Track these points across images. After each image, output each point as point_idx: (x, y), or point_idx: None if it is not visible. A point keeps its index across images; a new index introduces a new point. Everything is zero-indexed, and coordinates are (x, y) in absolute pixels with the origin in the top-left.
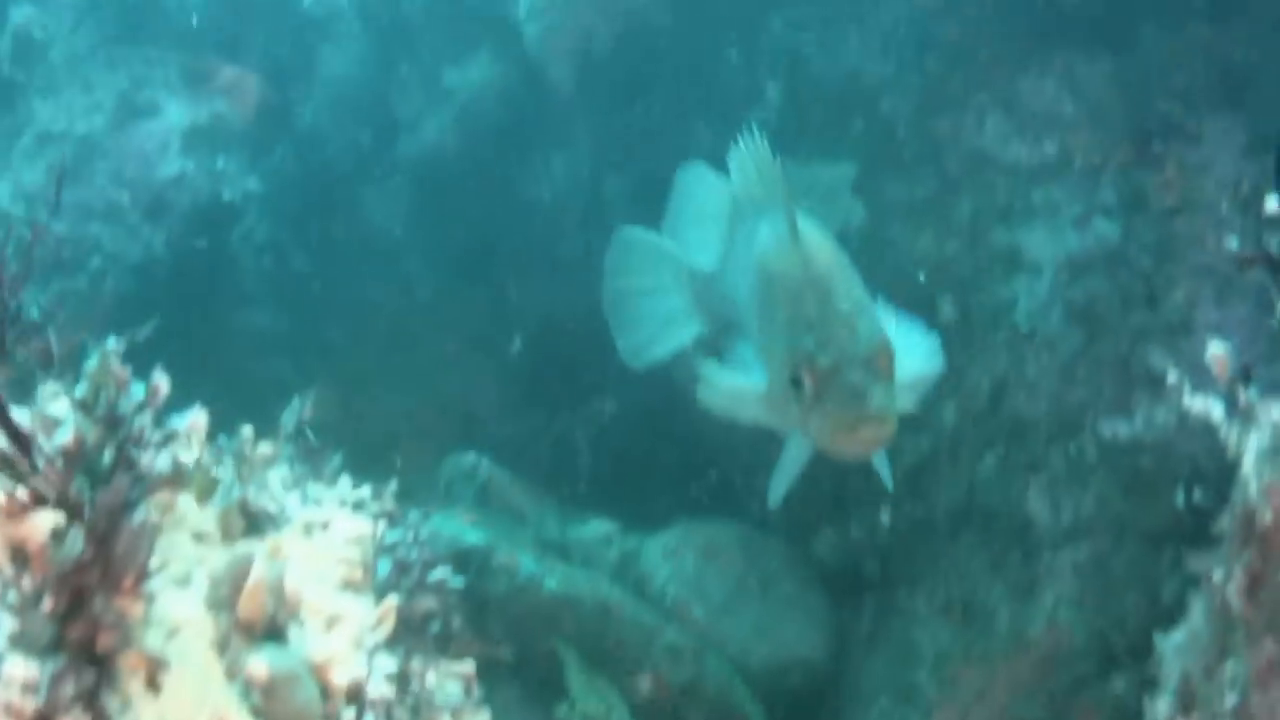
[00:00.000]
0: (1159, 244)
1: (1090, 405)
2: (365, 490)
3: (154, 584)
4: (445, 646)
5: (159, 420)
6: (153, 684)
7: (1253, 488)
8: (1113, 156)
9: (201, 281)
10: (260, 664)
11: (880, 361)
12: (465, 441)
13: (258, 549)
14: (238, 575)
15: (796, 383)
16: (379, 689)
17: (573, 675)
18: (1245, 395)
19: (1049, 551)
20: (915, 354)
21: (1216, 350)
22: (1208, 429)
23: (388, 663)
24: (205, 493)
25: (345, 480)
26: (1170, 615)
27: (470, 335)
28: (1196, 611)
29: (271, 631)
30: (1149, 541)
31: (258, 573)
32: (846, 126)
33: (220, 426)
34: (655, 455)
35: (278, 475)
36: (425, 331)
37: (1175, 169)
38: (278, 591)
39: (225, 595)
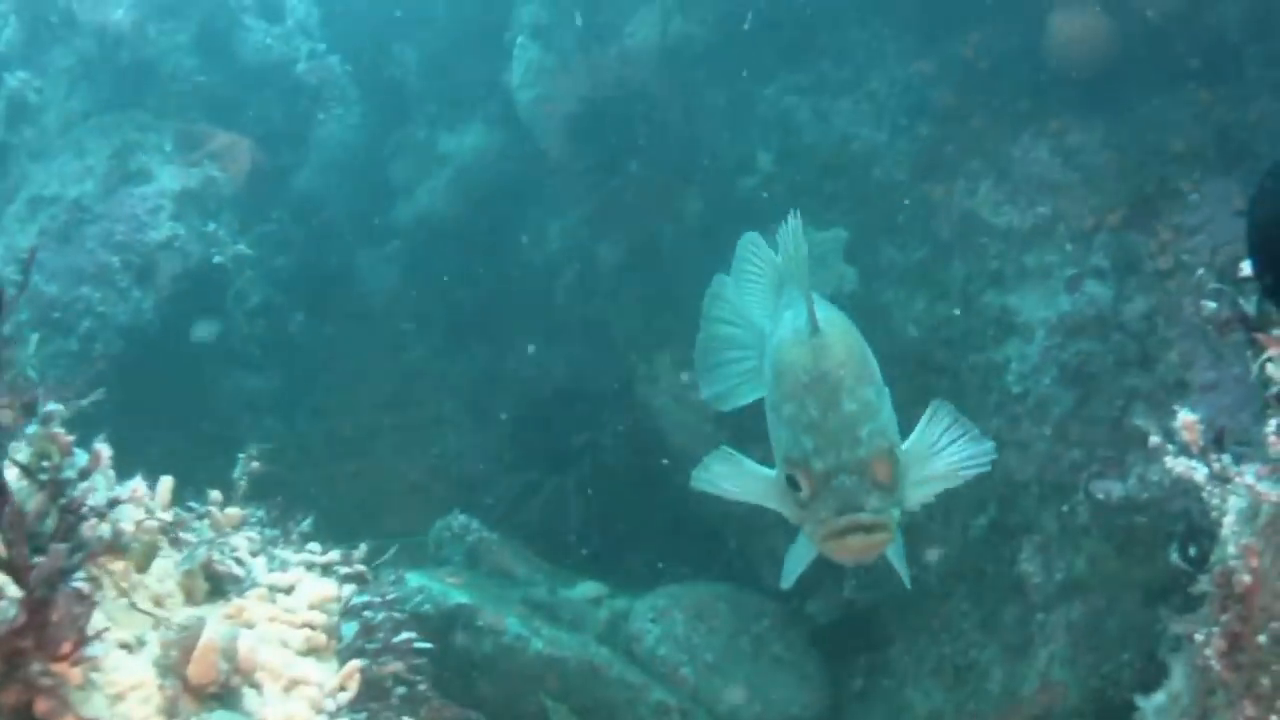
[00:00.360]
0: (1153, 306)
1: (1083, 466)
2: (334, 554)
3: (101, 649)
4: (413, 711)
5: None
6: None
7: (1230, 549)
8: (1105, 220)
9: (192, 343)
10: None
11: (878, 470)
12: (457, 502)
13: (213, 611)
14: (188, 638)
15: (793, 483)
16: None
17: None
18: (1219, 461)
19: (1042, 611)
20: (961, 454)
21: (1187, 417)
22: (1200, 487)
23: None
24: (146, 560)
25: (314, 545)
26: (1166, 672)
27: (463, 397)
28: (1177, 673)
29: (224, 695)
30: (1143, 599)
31: (209, 635)
32: (838, 192)
33: (211, 484)
34: (647, 516)
35: (244, 538)
36: (418, 393)
37: (1169, 232)
38: (231, 654)
39: (175, 659)
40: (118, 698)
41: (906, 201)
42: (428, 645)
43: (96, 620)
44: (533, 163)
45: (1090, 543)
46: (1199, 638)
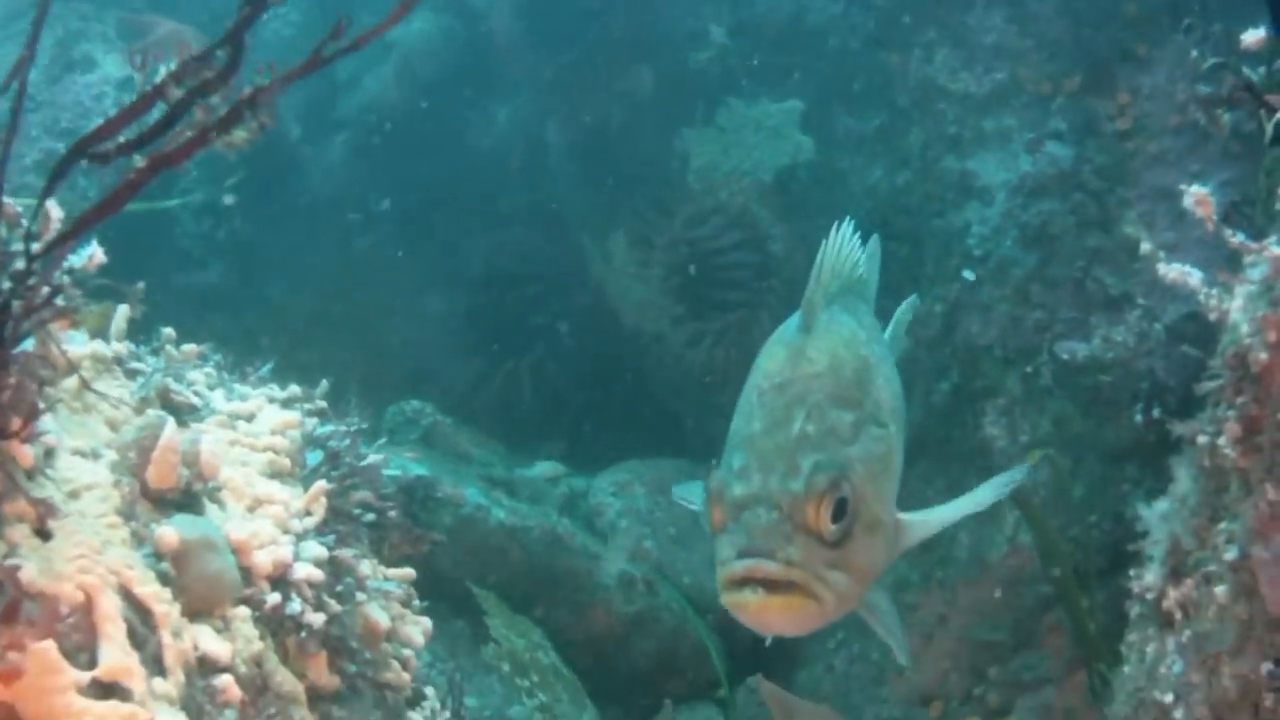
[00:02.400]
0: (1112, 167)
1: (1046, 327)
2: (295, 388)
3: (57, 450)
4: (383, 536)
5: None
6: (41, 532)
7: (1244, 330)
8: (1063, 85)
9: (141, 239)
10: (169, 531)
11: (811, 513)
12: (410, 391)
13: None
14: (147, 439)
15: (707, 510)
16: (306, 571)
17: (493, 618)
18: (1235, 236)
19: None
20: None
21: (1199, 191)
22: (1166, 346)
23: (317, 549)
24: (100, 323)
25: (273, 385)
26: (1134, 533)
27: (413, 286)
28: (1183, 477)
29: (185, 503)
30: (1110, 460)
31: (169, 436)
32: (793, 64)
33: None
34: (602, 399)
35: (201, 374)
36: (368, 283)
37: (1127, 94)
38: (192, 460)
39: (133, 461)
40: (72, 495)
41: (861, 71)
42: (395, 472)
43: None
44: (481, 45)
45: (1055, 404)
46: (1203, 439)
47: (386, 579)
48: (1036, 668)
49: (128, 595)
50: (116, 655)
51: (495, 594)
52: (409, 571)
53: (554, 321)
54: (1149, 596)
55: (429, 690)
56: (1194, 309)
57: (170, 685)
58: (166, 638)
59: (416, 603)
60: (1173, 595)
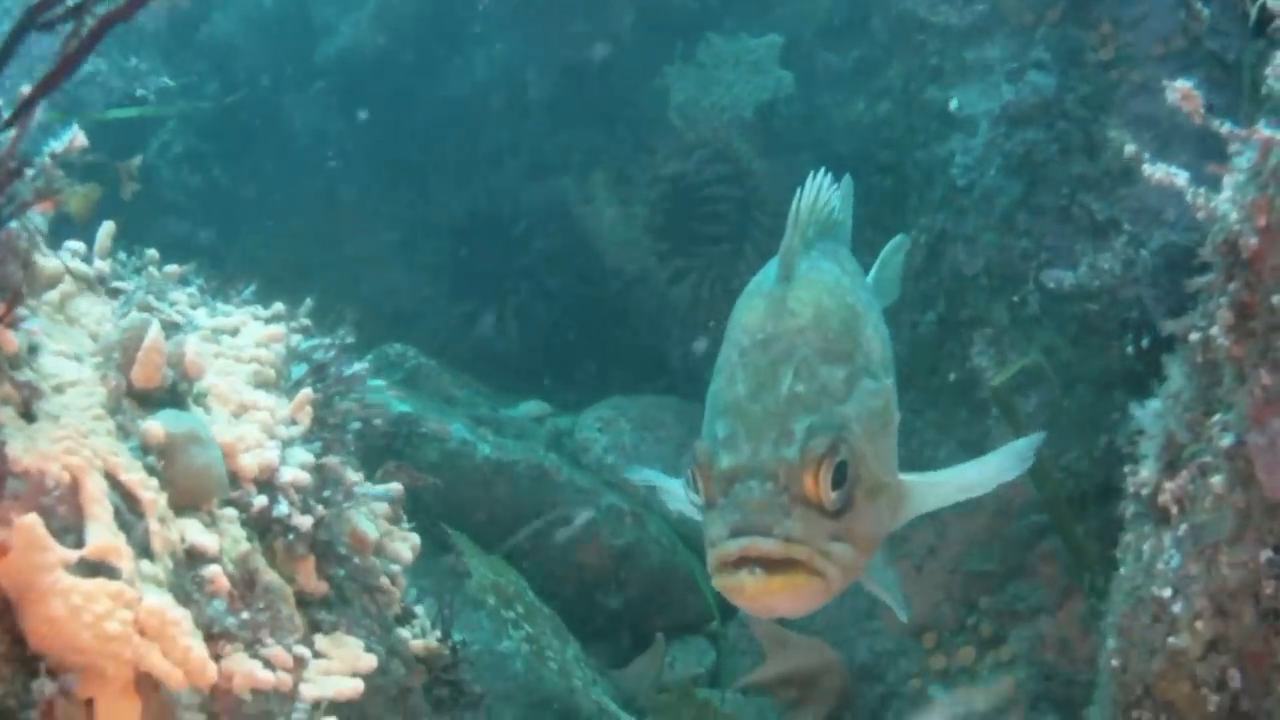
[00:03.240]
0: (1096, 95)
1: (1032, 255)
2: (279, 306)
3: (41, 348)
4: (369, 447)
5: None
6: (26, 414)
7: (1233, 217)
8: (1045, 15)
9: (118, 188)
10: (155, 425)
11: (810, 481)
12: (393, 337)
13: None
14: (131, 338)
15: (691, 483)
16: (293, 475)
17: (470, 556)
18: (1223, 125)
19: (995, 405)
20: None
21: (1184, 85)
22: (1154, 273)
23: (303, 455)
24: (85, 205)
25: (257, 306)
26: (1124, 460)
27: (395, 233)
28: (1175, 374)
29: (170, 403)
30: (1099, 388)
31: (154, 335)
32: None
33: None
34: (586, 340)
35: (184, 294)
36: (349, 231)
37: (1109, 25)
38: (177, 362)
39: (118, 360)
40: (57, 390)
41: (840, 4)
42: (380, 383)
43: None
44: None
45: (1043, 333)
46: (1195, 335)
47: (374, 496)
48: (1029, 597)
49: (114, 483)
50: (104, 535)
51: (469, 536)
52: (397, 487)
53: (537, 263)
54: (1144, 493)
55: (419, 609)
56: (1180, 236)
57: (158, 569)
58: (154, 524)
59: (405, 522)
60: (1168, 489)
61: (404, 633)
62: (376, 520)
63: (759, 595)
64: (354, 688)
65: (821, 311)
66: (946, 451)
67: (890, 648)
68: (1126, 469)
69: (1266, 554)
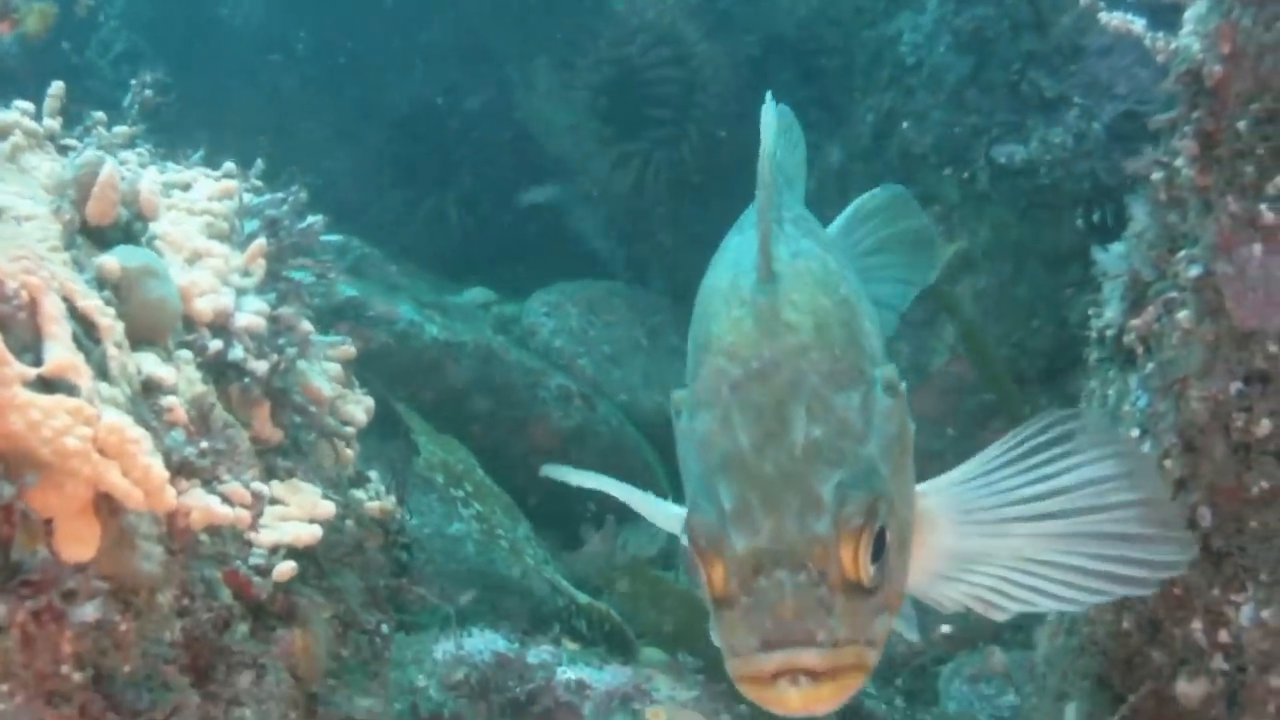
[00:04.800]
0: None
1: (982, 132)
2: (230, 166)
3: None
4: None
5: None
6: None
7: (1196, 48)
8: None
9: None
10: (110, 259)
11: (849, 557)
12: (335, 228)
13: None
14: (85, 177)
15: (691, 563)
16: (248, 320)
17: (419, 435)
18: None
19: (947, 282)
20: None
21: None
22: (1106, 146)
23: (257, 303)
24: (42, 24)
25: (206, 169)
26: (1077, 336)
27: (337, 124)
28: (1138, 213)
29: (125, 240)
30: (1051, 264)
31: (109, 171)
32: None
33: None
34: (529, 229)
35: (134, 154)
36: (291, 123)
37: None
38: (132, 200)
39: (73, 198)
40: (14, 220)
41: None
42: (336, 237)
43: None
44: None
45: (993, 210)
46: (1158, 174)
47: (329, 343)
48: None
49: (71, 309)
50: (62, 353)
51: (419, 413)
52: (348, 349)
53: (478, 153)
54: (1109, 335)
55: (373, 474)
56: (1132, 106)
57: (116, 393)
58: (111, 349)
59: (358, 388)
60: (1134, 327)
61: (359, 494)
62: (330, 382)
63: (806, 707)
64: (312, 534)
65: (822, 319)
66: (896, 331)
67: None
68: (1090, 311)
69: (1237, 385)
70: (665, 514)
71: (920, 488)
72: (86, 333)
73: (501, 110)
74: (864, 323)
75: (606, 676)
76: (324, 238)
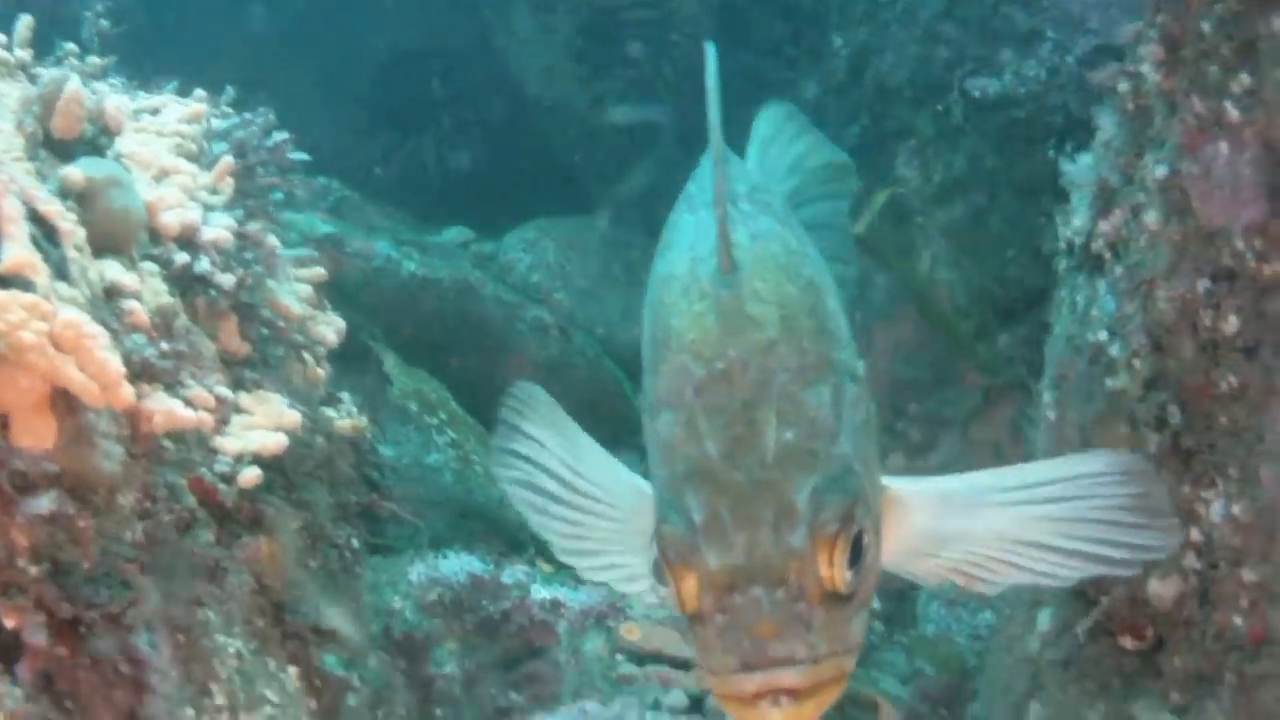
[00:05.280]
0: None
1: (956, 64)
2: (201, 93)
3: None
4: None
5: None
6: None
7: None
8: None
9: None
10: (75, 170)
11: (826, 566)
12: (316, 170)
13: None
14: (51, 92)
15: (661, 575)
16: (214, 234)
17: (390, 366)
18: None
19: (921, 215)
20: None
21: None
22: (1079, 79)
23: (225, 219)
24: None
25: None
26: (1052, 266)
27: (316, 72)
28: (1105, 123)
29: (91, 154)
30: (1025, 196)
31: (74, 87)
32: None
33: None
34: (509, 170)
35: (105, 84)
36: (272, 69)
37: None
38: (97, 116)
39: (38, 113)
40: None
41: None
42: (304, 156)
43: None
44: None
45: (968, 142)
46: (1124, 85)
47: (297, 278)
48: (957, 403)
49: (31, 214)
50: (19, 251)
51: (396, 352)
52: (319, 271)
53: (459, 96)
54: (1077, 243)
55: (344, 395)
56: (1104, 41)
57: (76, 294)
58: (71, 252)
59: (329, 310)
60: (1102, 232)
61: (330, 412)
62: (300, 303)
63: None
64: (278, 442)
65: (788, 309)
66: (871, 262)
67: None
68: (1058, 219)
69: (1204, 283)
70: (630, 506)
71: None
72: (47, 236)
73: (481, 52)
74: (829, 303)
75: (581, 596)
76: (292, 155)
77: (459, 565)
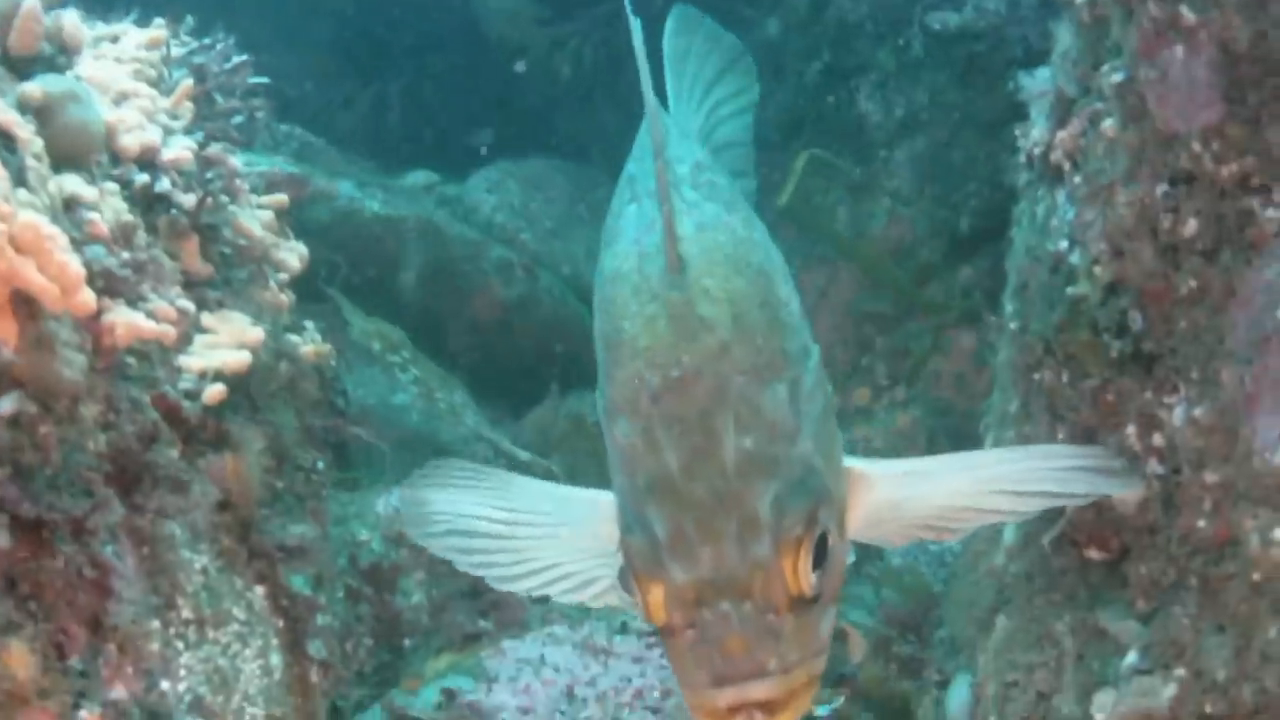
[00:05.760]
0: None
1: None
2: (160, 21)
3: None
4: (252, 137)
5: None
6: None
7: None
8: None
9: None
10: (33, 85)
11: (790, 577)
12: (279, 118)
13: None
14: (7, 9)
15: (629, 587)
16: (175, 154)
17: (348, 313)
18: None
19: (884, 149)
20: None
21: None
22: (1039, 11)
23: (185, 141)
24: None
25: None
26: (1014, 197)
27: (277, 21)
28: (1063, 34)
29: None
30: (986, 129)
31: (30, 3)
32: None
33: None
34: (472, 116)
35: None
36: (233, 16)
37: None
38: (55, 34)
39: None
40: None
41: None
42: (264, 79)
43: None
44: None
45: (929, 76)
46: None
47: (260, 205)
48: (921, 336)
49: None
50: None
51: (362, 291)
52: (281, 198)
53: (421, 41)
54: (1037, 152)
55: (309, 323)
56: None
57: (35, 200)
58: (30, 160)
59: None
60: (1060, 141)
61: (294, 338)
62: (263, 229)
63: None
64: (240, 359)
65: (739, 307)
66: (835, 195)
67: None
68: (1016, 133)
69: (1162, 187)
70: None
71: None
72: (4, 145)
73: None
74: (780, 290)
75: None
76: (252, 80)
77: None
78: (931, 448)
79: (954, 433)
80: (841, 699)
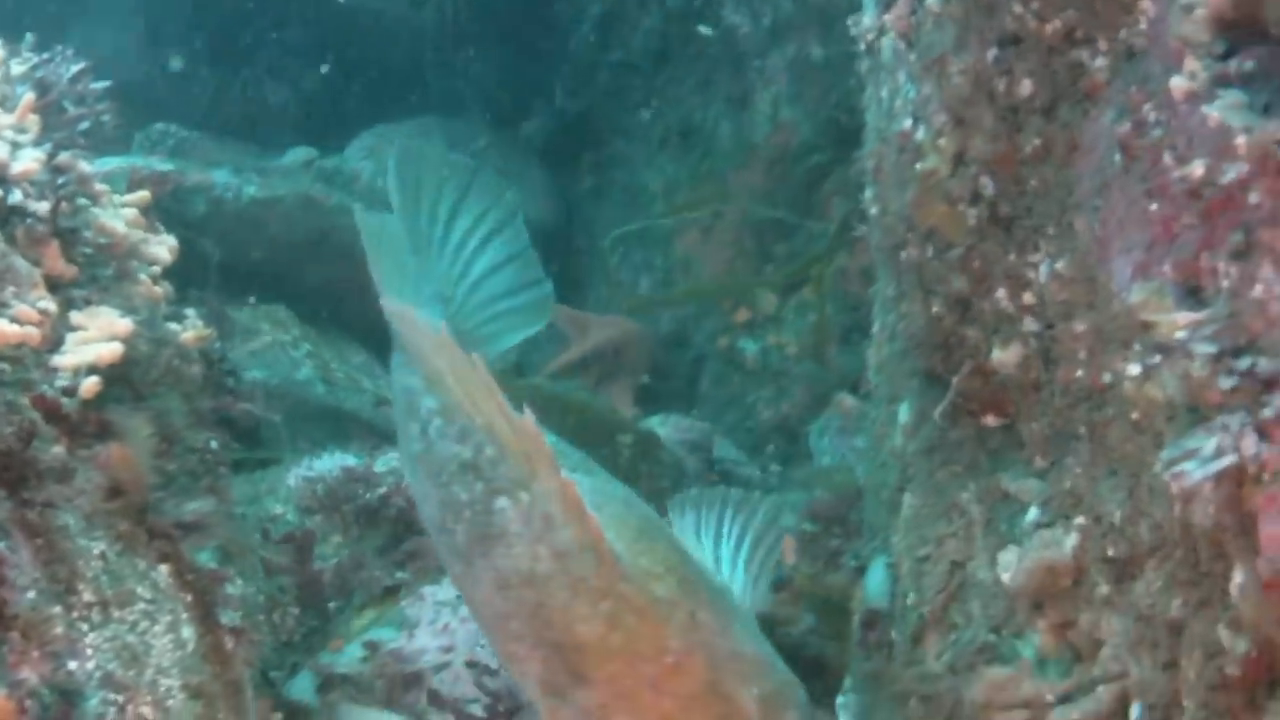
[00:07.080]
0: None
1: None
2: None
3: None
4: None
5: None
6: None
7: None
8: None
9: None
10: None
11: None
12: (150, 120)
13: None
14: None
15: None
16: (23, 167)
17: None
18: None
19: (758, 58)
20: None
21: None
22: None
23: (33, 152)
24: None
25: None
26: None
27: (136, 17)
28: None
29: None
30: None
31: None
32: None
33: None
34: (342, 83)
35: None
36: (91, 22)
37: None
38: None
39: None
40: None
41: None
42: (105, 83)
43: None
44: None
45: None
46: None
47: (123, 204)
48: (823, 237)
49: None
50: None
51: (249, 277)
52: (143, 194)
53: (282, 17)
54: (871, 39)
55: (189, 311)
56: None
57: None
58: None
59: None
60: (890, 22)
61: (174, 326)
62: (129, 227)
63: None
64: (113, 351)
65: (683, 590)
66: (715, 111)
67: (693, 311)
68: (849, 22)
69: (992, 52)
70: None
71: None
72: None
73: None
74: (681, 546)
75: None
76: (95, 85)
77: (333, 462)
78: (844, 347)
79: (868, 329)
80: None
